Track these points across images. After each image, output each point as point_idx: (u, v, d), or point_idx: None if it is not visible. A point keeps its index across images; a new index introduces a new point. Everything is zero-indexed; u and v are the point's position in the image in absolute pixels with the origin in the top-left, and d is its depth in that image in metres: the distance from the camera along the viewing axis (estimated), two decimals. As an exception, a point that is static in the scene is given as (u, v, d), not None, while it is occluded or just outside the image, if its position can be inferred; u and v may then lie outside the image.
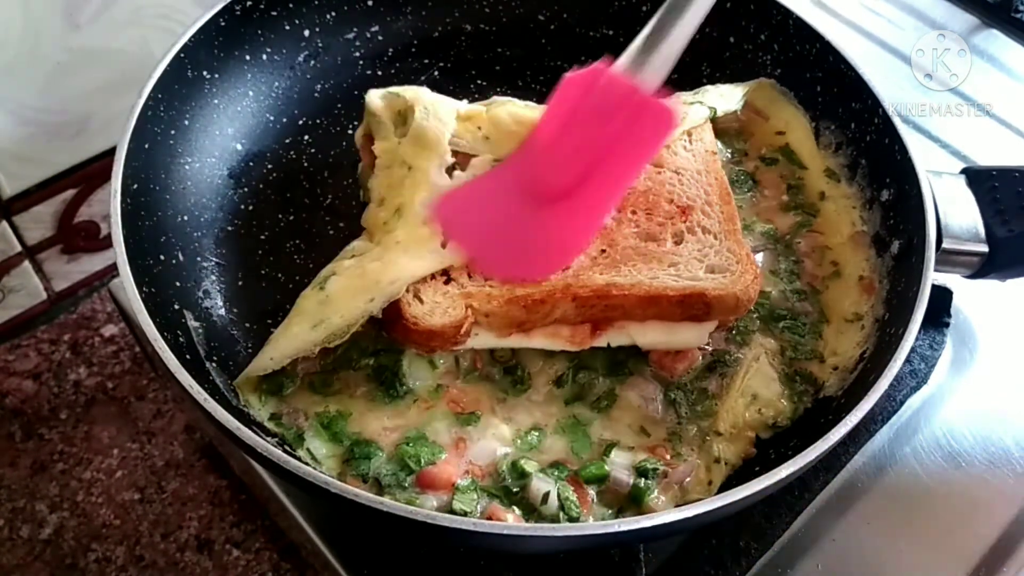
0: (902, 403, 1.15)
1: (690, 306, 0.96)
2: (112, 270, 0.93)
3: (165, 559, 1.07)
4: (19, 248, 1.23)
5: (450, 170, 1.05)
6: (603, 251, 1.00)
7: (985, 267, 1.05)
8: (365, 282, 0.96)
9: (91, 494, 1.11)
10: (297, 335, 0.96)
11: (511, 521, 0.88)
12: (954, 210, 1.05)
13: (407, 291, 0.96)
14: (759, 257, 1.11)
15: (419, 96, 1.10)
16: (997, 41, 1.60)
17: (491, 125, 1.08)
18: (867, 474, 1.11)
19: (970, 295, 1.22)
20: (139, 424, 1.17)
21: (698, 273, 0.98)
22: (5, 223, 1.19)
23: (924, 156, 1.06)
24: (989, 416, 1.17)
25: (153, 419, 1.17)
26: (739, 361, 1.02)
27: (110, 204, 0.96)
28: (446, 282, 0.98)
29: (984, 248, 1.03)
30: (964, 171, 1.11)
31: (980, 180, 1.09)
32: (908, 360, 1.15)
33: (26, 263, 1.25)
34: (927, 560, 1.05)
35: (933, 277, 0.96)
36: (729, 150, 1.20)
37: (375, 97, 1.12)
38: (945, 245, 1.02)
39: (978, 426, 1.15)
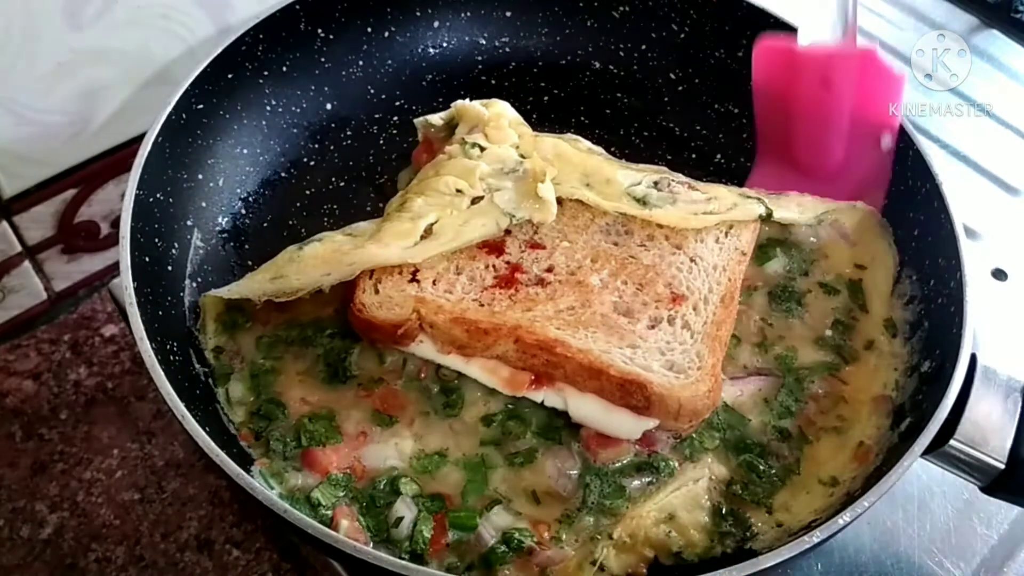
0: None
1: (630, 393, 0.89)
2: (113, 270, 0.95)
3: (165, 559, 1.06)
4: (19, 248, 1.21)
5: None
6: (571, 308, 0.95)
7: (995, 484, 0.88)
8: (332, 256, 0.98)
9: (91, 494, 1.11)
10: (258, 280, 0.99)
11: (345, 529, 0.85)
12: (986, 411, 0.89)
13: (369, 278, 0.96)
14: (758, 380, 1.00)
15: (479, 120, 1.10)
16: (997, 41, 1.59)
17: (529, 145, 1.06)
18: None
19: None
20: (139, 424, 1.16)
21: (652, 364, 0.90)
22: (5, 223, 1.18)
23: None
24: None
25: (153, 419, 1.17)
26: (675, 474, 0.93)
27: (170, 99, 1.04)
28: (410, 281, 0.97)
29: (999, 463, 0.87)
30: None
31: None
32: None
33: (26, 263, 1.23)
34: (927, 561, 1.02)
35: (906, 467, 0.83)
36: (791, 263, 1.09)
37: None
38: (953, 443, 0.87)
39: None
